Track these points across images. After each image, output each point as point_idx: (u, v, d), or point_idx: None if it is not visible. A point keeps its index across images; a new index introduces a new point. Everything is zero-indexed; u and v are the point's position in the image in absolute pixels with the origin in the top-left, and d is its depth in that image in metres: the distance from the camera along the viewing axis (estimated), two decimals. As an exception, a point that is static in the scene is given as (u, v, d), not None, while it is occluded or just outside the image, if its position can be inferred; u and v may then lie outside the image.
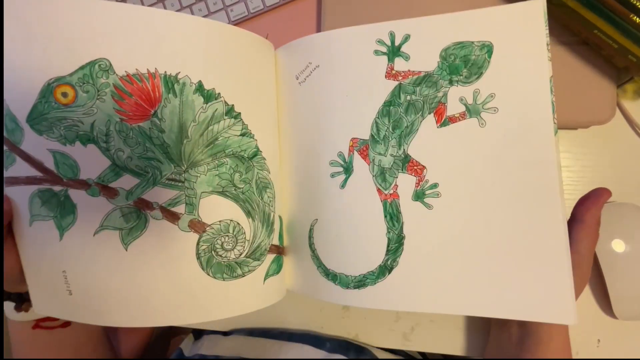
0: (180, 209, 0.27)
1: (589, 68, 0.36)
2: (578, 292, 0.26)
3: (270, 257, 0.31)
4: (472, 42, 0.26)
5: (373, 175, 0.29)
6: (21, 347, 0.34)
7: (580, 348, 0.38)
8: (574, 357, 0.37)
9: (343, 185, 0.29)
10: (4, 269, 0.27)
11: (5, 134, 0.25)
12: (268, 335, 0.41)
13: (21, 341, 0.34)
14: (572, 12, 0.33)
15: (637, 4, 0.31)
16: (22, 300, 0.31)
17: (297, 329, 0.41)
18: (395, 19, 0.28)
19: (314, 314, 0.41)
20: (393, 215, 0.28)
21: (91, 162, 0.26)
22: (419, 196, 0.28)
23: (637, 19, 0.31)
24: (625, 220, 0.36)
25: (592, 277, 0.38)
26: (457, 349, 0.39)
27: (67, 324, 0.35)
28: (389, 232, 0.28)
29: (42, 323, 0.33)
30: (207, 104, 0.27)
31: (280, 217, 0.32)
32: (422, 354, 0.49)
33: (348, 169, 0.29)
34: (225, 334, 0.43)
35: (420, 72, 0.28)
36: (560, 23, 0.35)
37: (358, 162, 0.29)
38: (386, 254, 0.28)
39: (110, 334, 0.46)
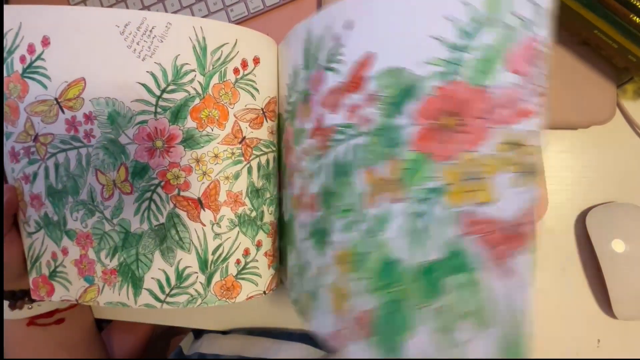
0: None
1: (589, 68, 0.36)
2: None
3: None
4: None
5: None
6: (14, 346, 0.34)
7: (580, 348, 0.38)
8: (573, 357, 0.37)
9: None
10: (7, 260, 0.27)
11: None
12: (268, 334, 0.41)
13: (15, 339, 0.34)
14: (572, 12, 0.33)
15: (637, 4, 0.31)
16: (16, 298, 0.31)
17: (297, 328, 0.41)
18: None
19: (314, 313, 0.41)
20: None
21: None
22: None
23: (637, 19, 0.31)
24: (625, 220, 0.36)
25: (592, 277, 0.38)
26: (457, 349, 0.39)
27: (61, 320, 0.34)
28: None
29: (37, 320, 0.33)
30: None
31: None
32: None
33: None
34: (225, 333, 0.43)
35: None
36: (560, 23, 0.35)
37: None
38: None
39: (104, 335, 0.46)
